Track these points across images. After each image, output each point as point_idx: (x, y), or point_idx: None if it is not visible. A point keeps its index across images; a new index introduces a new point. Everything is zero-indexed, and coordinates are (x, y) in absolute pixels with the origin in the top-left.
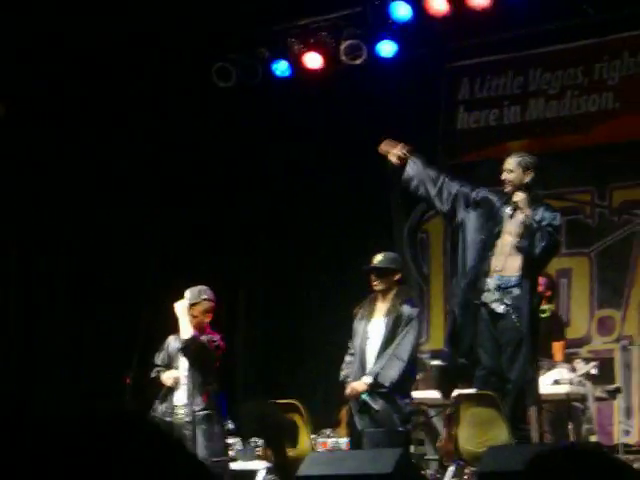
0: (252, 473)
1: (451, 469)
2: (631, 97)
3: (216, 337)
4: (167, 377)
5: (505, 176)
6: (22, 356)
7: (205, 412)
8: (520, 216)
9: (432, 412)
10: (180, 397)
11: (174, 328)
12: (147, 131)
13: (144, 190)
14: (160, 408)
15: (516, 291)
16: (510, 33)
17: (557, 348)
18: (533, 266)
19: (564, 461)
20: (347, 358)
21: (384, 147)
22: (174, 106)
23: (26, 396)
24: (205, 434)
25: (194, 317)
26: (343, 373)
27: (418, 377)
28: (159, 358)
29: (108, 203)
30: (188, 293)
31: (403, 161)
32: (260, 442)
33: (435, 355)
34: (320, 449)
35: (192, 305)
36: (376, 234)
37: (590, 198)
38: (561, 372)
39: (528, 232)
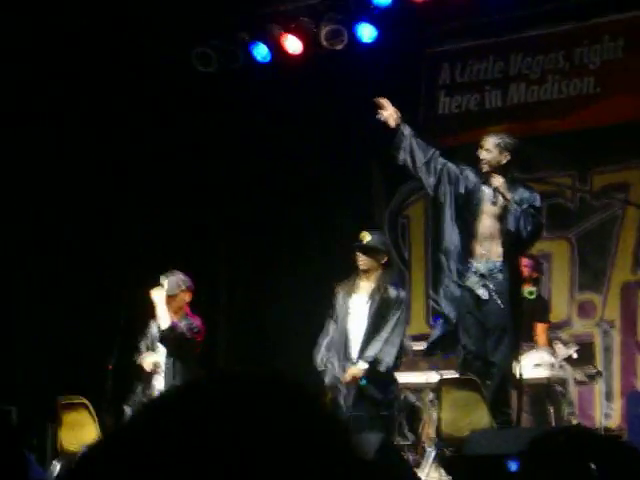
0: None
1: (432, 453)
2: (612, 81)
3: (196, 321)
4: (147, 362)
5: (482, 155)
6: (1, 344)
7: None
8: (501, 200)
9: (413, 397)
10: (160, 382)
11: (154, 313)
12: (125, 117)
13: (121, 175)
14: (140, 392)
15: (500, 276)
16: (491, 18)
17: (540, 330)
18: (515, 250)
19: (567, 443)
20: (322, 341)
21: (384, 102)
22: (153, 91)
23: (5, 383)
24: None
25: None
26: (320, 357)
27: None
28: (143, 344)
29: (86, 188)
30: (165, 282)
31: (395, 121)
32: None
33: (416, 339)
34: None
35: (170, 296)
36: (357, 218)
37: (571, 182)
38: (542, 356)
39: (512, 217)
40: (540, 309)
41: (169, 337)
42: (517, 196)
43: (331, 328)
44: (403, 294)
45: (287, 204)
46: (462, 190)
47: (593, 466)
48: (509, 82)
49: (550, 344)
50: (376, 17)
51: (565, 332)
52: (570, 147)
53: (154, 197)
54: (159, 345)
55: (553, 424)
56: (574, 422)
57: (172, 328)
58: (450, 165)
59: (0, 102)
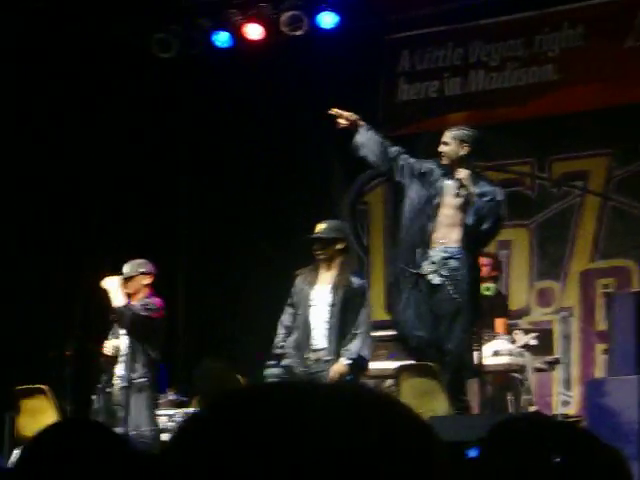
0: None
1: None
2: (571, 69)
3: (154, 300)
4: (107, 347)
5: (441, 148)
6: None
7: (142, 380)
8: (463, 192)
9: (371, 385)
10: (120, 366)
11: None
12: (85, 103)
13: (81, 158)
14: (104, 381)
15: (454, 263)
16: (451, 5)
17: (499, 324)
18: (475, 240)
19: (527, 429)
20: (281, 328)
21: (337, 111)
22: (113, 77)
23: None
24: (137, 403)
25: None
26: (279, 342)
27: None
28: (111, 331)
29: (40, 173)
30: (125, 267)
31: (353, 125)
32: None
33: (375, 327)
34: None
35: (128, 279)
36: (318, 204)
37: (530, 169)
38: (501, 343)
39: (473, 211)
40: (499, 305)
41: (123, 317)
42: (479, 189)
43: (288, 315)
44: (366, 283)
45: (245, 190)
46: (423, 183)
47: (553, 453)
48: (468, 69)
49: (509, 332)
50: (336, 4)
51: (524, 320)
52: (529, 135)
53: (110, 183)
54: (120, 331)
55: (511, 411)
56: (532, 409)
57: (125, 307)
58: (412, 160)
59: None
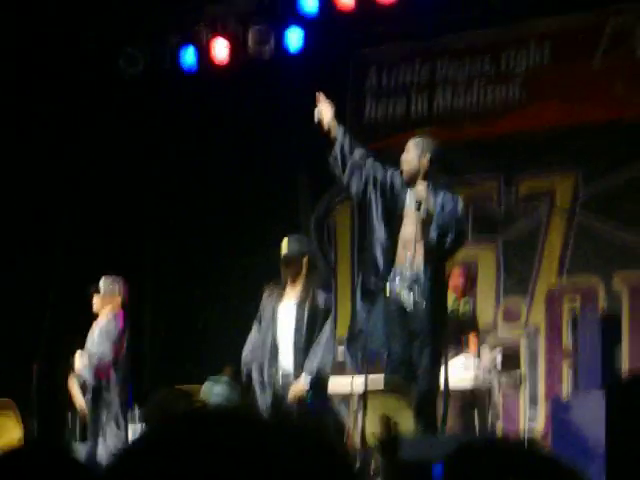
0: None
1: (358, 459)
2: (538, 87)
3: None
4: (77, 402)
5: (403, 157)
6: None
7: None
8: (423, 206)
9: (337, 402)
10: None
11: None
12: (50, 119)
13: (50, 175)
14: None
15: (423, 281)
16: (418, 22)
17: (471, 341)
18: (438, 257)
19: (488, 456)
20: (248, 343)
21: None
22: (78, 94)
23: None
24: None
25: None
26: (246, 357)
27: None
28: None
29: (13, 191)
30: (102, 283)
31: (329, 125)
32: None
33: (342, 343)
34: None
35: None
36: (283, 220)
37: (497, 185)
38: (467, 360)
39: (435, 224)
40: (469, 322)
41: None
42: (439, 200)
43: (255, 331)
44: (330, 299)
45: (212, 208)
46: (389, 194)
47: None
48: (435, 86)
49: (476, 349)
50: (304, 22)
51: (491, 336)
52: (496, 152)
53: (77, 197)
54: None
55: (477, 428)
56: (499, 425)
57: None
58: (378, 168)
59: None
